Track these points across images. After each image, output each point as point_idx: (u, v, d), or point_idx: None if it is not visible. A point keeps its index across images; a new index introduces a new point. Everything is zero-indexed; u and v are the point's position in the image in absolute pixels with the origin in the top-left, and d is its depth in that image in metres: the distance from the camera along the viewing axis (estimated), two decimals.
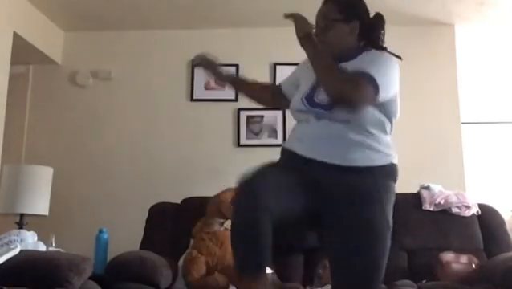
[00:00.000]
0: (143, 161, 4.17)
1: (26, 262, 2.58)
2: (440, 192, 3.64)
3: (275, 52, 4.13)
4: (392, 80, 1.96)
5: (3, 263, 2.49)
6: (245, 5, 4.00)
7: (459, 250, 3.30)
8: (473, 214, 3.56)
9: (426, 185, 3.69)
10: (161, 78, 4.32)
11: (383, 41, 2.05)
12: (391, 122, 2.00)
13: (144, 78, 4.32)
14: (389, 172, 1.96)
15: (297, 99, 1.97)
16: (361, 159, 1.84)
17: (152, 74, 4.33)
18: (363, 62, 1.89)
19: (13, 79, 3.81)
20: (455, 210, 3.55)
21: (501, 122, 5.46)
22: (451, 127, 4.16)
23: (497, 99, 5.34)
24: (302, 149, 1.87)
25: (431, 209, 3.57)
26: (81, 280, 2.58)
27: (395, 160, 1.98)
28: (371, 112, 1.86)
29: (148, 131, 4.23)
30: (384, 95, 1.87)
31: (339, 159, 1.82)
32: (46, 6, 4.02)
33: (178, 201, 3.66)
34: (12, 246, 2.68)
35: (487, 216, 3.57)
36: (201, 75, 4.26)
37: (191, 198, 3.63)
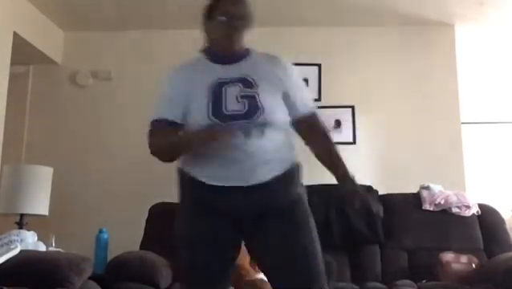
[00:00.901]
0: (143, 161, 4.14)
1: (26, 262, 2.58)
2: (440, 192, 3.64)
3: (275, 52, 4.12)
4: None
5: (3, 263, 2.49)
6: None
7: (459, 250, 3.30)
8: (473, 214, 3.56)
9: (426, 185, 3.69)
10: (161, 78, 4.31)
11: None
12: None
13: (144, 78, 4.31)
14: (297, 172, 1.85)
15: (200, 116, 1.74)
16: (275, 168, 1.75)
17: (152, 74, 4.31)
18: (266, 69, 1.84)
19: (13, 79, 3.81)
20: (455, 210, 3.55)
21: (501, 122, 5.46)
22: (451, 127, 4.16)
23: (497, 99, 5.34)
24: (218, 178, 1.73)
25: (431, 209, 3.57)
26: (81, 280, 2.58)
27: (296, 160, 1.86)
28: (283, 114, 1.82)
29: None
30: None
31: (256, 178, 1.72)
32: (46, 6, 4.02)
33: (178, 201, 3.65)
34: (12, 246, 2.68)
35: (487, 216, 3.57)
36: None
37: None
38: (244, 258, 3.10)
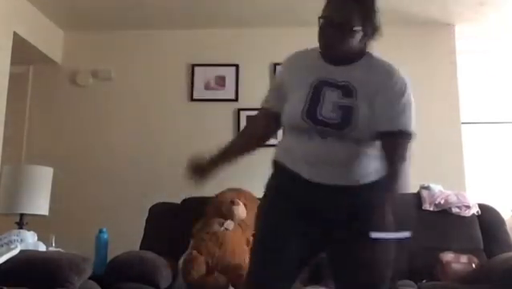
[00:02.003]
0: (143, 161, 4.17)
1: (26, 262, 2.58)
2: (440, 192, 3.64)
3: (275, 52, 4.11)
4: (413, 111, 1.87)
5: (3, 263, 2.49)
6: (245, 5, 4.00)
7: (459, 250, 3.30)
8: (473, 214, 3.56)
9: (426, 185, 3.69)
10: (161, 78, 4.32)
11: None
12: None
13: (144, 78, 4.32)
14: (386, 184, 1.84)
15: (294, 112, 1.78)
16: (372, 173, 1.78)
17: (152, 74, 4.33)
18: (370, 77, 1.77)
19: (13, 79, 3.81)
20: (455, 210, 3.55)
21: (501, 122, 5.45)
22: (451, 127, 4.16)
23: (497, 99, 5.34)
24: (308, 172, 1.75)
25: (431, 209, 3.57)
26: (81, 280, 2.59)
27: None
28: (374, 131, 1.79)
29: (148, 131, 4.23)
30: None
31: (347, 179, 1.74)
32: (46, 6, 4.02)
33: (178, 201, 3.66)
34: (12, 246, 2.68)
35: (487, 216, 3.57)
36: (201, 75, 4.27)
37: (191, 198, 3.62)
38: (244, 257, 3.11)
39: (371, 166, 1.78)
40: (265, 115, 1.98)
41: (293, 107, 1.79)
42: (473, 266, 3.18)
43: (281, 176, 1.85)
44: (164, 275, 2.94)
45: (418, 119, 4.57)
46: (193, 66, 4.29)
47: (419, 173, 3.92)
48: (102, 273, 2.93)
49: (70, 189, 4.05)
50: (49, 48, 4.24)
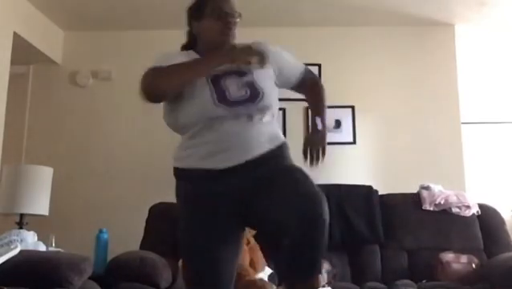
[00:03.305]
0: (143, 161, 4.17)
1: (26, 262, 2.58)
2: (440, 192, 3.64)
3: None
4: None
5: (3, 263, 2.49)
6: (244, 5, 3.97)
7: (459, 250, 3.31)
8: (473, 214, 3.56)
9: (426, 185, 3.69)
10: None
11: None
12: None
13: None
14: (286, 148, 1.88)
15: (202, 106, 1.79)
16: (272, 142, 1.81)
17: None
18: None
19: (13, 79, 3.81)
20: (455, 210, 3.55)
21: (501, 122, 5.46)
22: (451, 127, 4.16)
23: (497, 99, 5.35)
24: (216, 161, 1.76)
25: (431, 209, 3.57)
26: (81, 280, 2.58)
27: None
28: (276, 97, 1.89)
29: (148, 130, 4.23)
30: None
31: (254, 152, 1.76)
32: (46, 6, 4.02)
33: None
34: (12, 246, 2.68)
35: (487, 216, 3.57)
36: None
37: None
38: (244, 257, 3.11)
39: (266, 135, 1.81)
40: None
41: (198, 103, 1.80)
42: (473, 266, 3.19)
43: (188, 181, 1.85)
44: (165, 275, 2.94)
45: (418, 119, 4.59)
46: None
47: (419, 173, 3.94)
48: (102, 273, 2.93)
49: (70, 189, 4.05)
50: (49, 48, 4.24)
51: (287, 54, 2.03)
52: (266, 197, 1.69)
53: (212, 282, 1.80)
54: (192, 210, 1.83)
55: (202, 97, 1.79)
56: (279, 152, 1.82)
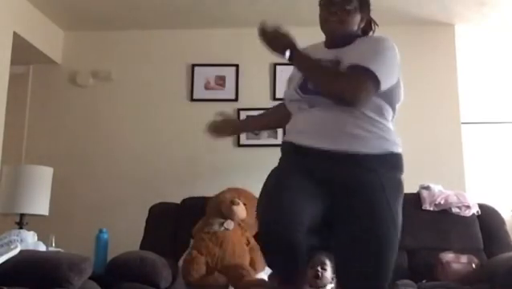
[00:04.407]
0: (143, 161, 4.17)
1: (26, 262, 2.58)
2: (440, 192, 3.64)
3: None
4: (392, 67, 1.91)
5: (3, 263, 2.49)
6: (245, 5, 4.00)
7: (459, 250, 3.30)
8: (473, 214, 3.56)
9: (426, 185, 3.69)
10: (161, 78, 4.31)
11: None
12: (392, 108, 1.97)
13: (144, 78, 4.31)
14: (392, 161, 1.88)
15: (291, 90, 1.97)
16: (359, 144, 1.80)
17: (152, 74, 4.33)
18: (359, 49, 1.87)
19: (13, 79, 3.81)
20: (455, 210, 3.55)
21: (501, 122, 5.46)
22: (451, 127, 4.16)
23: (497, 99, 5.34)
24: (300, 139, 1.86)
25: (431, 209, 3.57)
26: (81, 280, 2.58)
27: (398, 150, 1.91)
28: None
29: (148, 131, 4.23)
30: (384, 86, 1.83)
31: (335, 144, 1.79)
32: (46, 6, 4.02)
33: (178, 201, 3.66)
34: (12, 246, 2.68)
35: (487, 216, 3.57)
36: (200, 75, 4.26)
37: (191, 198, 3.63)
38: (244, 258, 3.11)
39: (357, 137, 1.81)
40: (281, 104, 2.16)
41: (291, 88, 1.98)
42: (473, 266, 3.18)
43: (288, 151, 1.93)
44: (164, 275, 2.94)
45: (418, 119, 4.60)
46: (193, 66, 4.29)
47: (419, 173, 3.93)
48: (102, 273, 2.93)
49: (70, 189, 4.05)
50: (49, 48, 4.24)
51: (375, 49, 1.93)
52: (346, 220, 1.76)
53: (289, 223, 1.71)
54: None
55: (294, 83, 1.96)
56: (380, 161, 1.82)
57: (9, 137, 3.76)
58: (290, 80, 2.07)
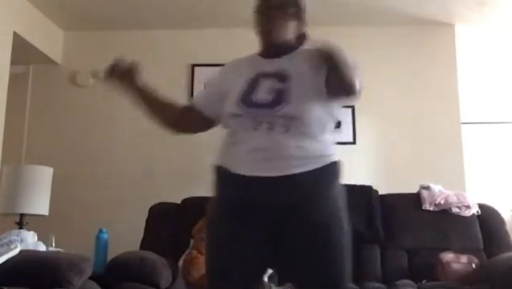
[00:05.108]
0: (143, 161, 4.17)
1: (26, 262, 2.58)
2: (440, 192, 3.64)
3: None
4: None
5: (3, 263, 2.49)
6: (244, 5, 3.98)
7: (459, 250, 3.30)
8: (473, 214, 3.56)
9: (426, 185, 3.69)
10: (161, 78, 4.28)
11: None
12: (334, 121, 1.81)
13: (144, 78, 4.30)
14: (333, 170, 1.75)
15: (231, 102, 1.77)
16: (303, 164, 1.67)
17: (152, 74, 4.29)
18: (306, 59, 1.73)
19: (13, 79, 3.81)
20: (455, 210, 3.55)
21: (501, 122, 5.47)
22: (451, 127, 4.16)
23: (497, 99, 5.35)
24: (241, 168, 1.70)
25: (431, 209, 3.57)
26: (81, 280, 2.58)
27: (336, 158, 1.77)
28: (317, 111, 1.70)
29: (148, 131, 4.22)
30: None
31: (281, 170, 1.65)
32: (46, 6, 4.02)
33: (178, 201, 3.66)
34: (12, 246, 2.68)
35: (487, 216, 3.57)
36: (201, 75, 4.26)
37: (191, 198, 3.62)
38: None
39: (311, 152, 1.69)
40: (186, 107, 2.06)
41: (230, 99, 1.79)
42: (473, 266, 3.18)
43: (225, 181, 1.80)
44: (164, 275, 2.94)
45: (418, 119, 4.59)
46: (193, 66, 4.29)
47: (419, 173, 3.94)
48: (102, 273, 2.93)
49: (70, 189, 4.05)
50: (49, 48, 4.24)
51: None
52: (295, 247, 1.67)
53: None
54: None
55: (232, 96, 1.78)
56: (318, 175, 1.68)
57: (9, 137, 3.76)
58: (214, 89, 1.94)
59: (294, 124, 1.66)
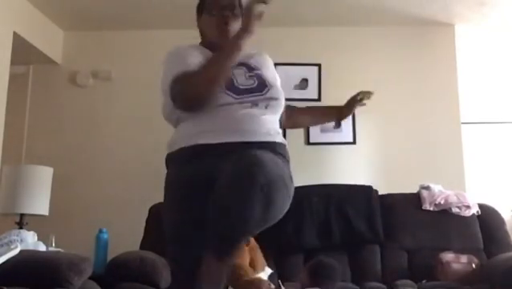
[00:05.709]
0: (143, 161, 4.17)
1: (26, 262, 2.58)
2: (440, 192, 3.64)
3: (275, 52, 4.12)
4: None
5: (3, 263, 2.49)
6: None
7: (459, 250, 3.30)
8: (473, 214, 3.56)
9: (426, 185, 3.69)
10: (161, 78, 4.31)
11: None
12: None
13: (144, 78, 4.30)
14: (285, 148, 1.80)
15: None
16: (272, 136, 1.74)
17: (152, 74, 4.30)
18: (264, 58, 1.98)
19: (13, 79, 3.81)
20: (455, 210, 3.55)
21: (501, 122, 5.47)
22: (451, 127, 4.16)
23: (497, 99, 5.35)
24: (206, 138, 1.76)
25: (431, 209, 3.57)
26: (81, 280, 2.58)
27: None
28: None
29: (148, 131, 4.23)
30: None
31: (250, 137, 1.71)
32: (46, 6, 4.02)
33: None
34: (12, 246, 2.68)
35: (487, 216, 3.57)
36: None
37: None
38: (243, 258, 3.11)
39: (268, 128, 1.76)
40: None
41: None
42: (473, 266, 3.18)
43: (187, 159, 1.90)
44: (164, 275, 2.93)
45: (418, 119, 4.59)
46: None
47: (419, 173, 3.94)
48: (102, 273, 2.93)
49: (70, 189, 4.05)
50: (49, 48, 4.24)
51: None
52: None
53: None
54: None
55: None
56: (278, 148, 1.73)
57: (9, 137, 3.76)
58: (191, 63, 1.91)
59: (274, 106, 1.80)
